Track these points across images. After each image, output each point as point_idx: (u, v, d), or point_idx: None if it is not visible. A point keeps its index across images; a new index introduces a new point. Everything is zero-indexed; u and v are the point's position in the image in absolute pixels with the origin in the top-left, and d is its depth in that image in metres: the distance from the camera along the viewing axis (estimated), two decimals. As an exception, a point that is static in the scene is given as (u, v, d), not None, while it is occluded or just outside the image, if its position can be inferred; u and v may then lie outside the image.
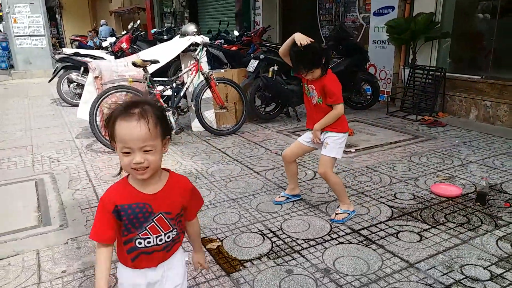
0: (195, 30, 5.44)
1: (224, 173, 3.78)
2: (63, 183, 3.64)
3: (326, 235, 2.59)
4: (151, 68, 4.82)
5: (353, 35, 7.29)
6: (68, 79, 7.17)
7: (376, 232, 2.60)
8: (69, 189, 3.50)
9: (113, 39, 9.19)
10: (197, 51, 5.04)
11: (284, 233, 2.64)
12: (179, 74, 5.15)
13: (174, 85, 4.94)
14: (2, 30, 13.10)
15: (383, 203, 3.02)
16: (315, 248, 2.45)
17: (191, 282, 2.15)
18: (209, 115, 5.28)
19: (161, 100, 4.71)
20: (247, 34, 9.02)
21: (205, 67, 5.18)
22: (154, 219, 1.36)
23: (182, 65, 5.54)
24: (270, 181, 3.56)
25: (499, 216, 2.74)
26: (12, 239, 2.69)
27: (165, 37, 9.33)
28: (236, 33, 9.20)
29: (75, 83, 7.12)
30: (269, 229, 2.70)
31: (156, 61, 4.76)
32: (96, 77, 4.75)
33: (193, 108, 5.05)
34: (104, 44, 8.88)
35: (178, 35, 5.69)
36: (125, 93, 4.66)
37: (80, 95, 6.92)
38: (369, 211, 2.90)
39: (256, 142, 4.75)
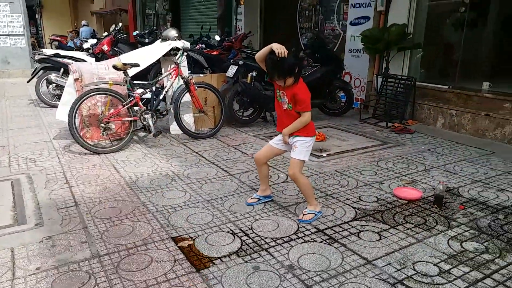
0: (176, 35, 5.56)
1: (200, 175, 3.91)
2: (39, 183, 3.70)
3: (293, 234, 2.75)
4: (132, 71, 4.91)
5: (329, 44, 7.51)
6: (47, 80, 7.17)
7: (340, 231, 2.77)
8: (46, 189, 3.56)
9: (94, 41, 9.19)
10: (178, 56, 5.16)
11: (254, 232, 2.79)
12: (159, 78, 5.26)
13: (153, 88, 5.04)
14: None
15: (348, 204, 3.20)
16: (281, 246, 2.60)
17: (162, 278, 2.27)
18: (188, 118, 5.39)
19: (140, 103, 4.81)
20: (228, 40, 9.17)
21: (185, 71, 5.30)
22: None
23: (163, 69, 5.65)
24: (244, 183, 3.70)
25: (453, 218, 2.95)
26: (-12, 237, 2.75)
27: (146, 40, 9.40)
28: (217, 38, 9.34)
29: (54, 84, 7.12)
30: (240, 229, 2.84)
31: (136, 65, 4.86)
32: (76, 79, 4.82)
33: (172, 111, 5.16)
34: (85, 46, 8.88)
35: (160, 40, 5.79)
36: (104, 95, 4.75)
37: (59, 96, 6.93)
38: (335, 212, 3.07)
39: (233, 146, 4.89)
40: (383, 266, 2.35)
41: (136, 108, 4.82)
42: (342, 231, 2.78)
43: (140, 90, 4.93)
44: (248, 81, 5.62)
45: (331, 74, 6.09)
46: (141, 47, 9.16)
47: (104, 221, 2.97)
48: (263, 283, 2.22)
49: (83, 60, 7.16)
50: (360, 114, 6.22)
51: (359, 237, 2.69)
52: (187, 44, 5.51)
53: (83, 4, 24.10)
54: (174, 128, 5.37)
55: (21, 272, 2.35)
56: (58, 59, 7.14)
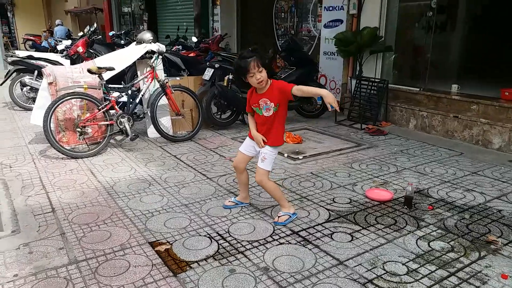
0: (151, 38, 5.56)
1: (177, 179, 3.94)
2: (15, 190, 3.67)
3: (268, 236, 2.83)
4: (107, 75, 4.90)
5: (304, 47, 7.63)
6: (21, 82, 7.05)
7: (313, 233, 2.87)
8: (22, 195, 3.54)
9: (68, 42, 9.06)
10: (153, 59, 5.17)
11: (230, 235, 2.85)
12: (135, 81, 5.26)
13: (129, 91, 5.04)
14: None
15: (322, 206, 3.30)
16: (257, 248, 2.67)
17: (140, 283, 2.31)
18: (165, 121, 5.41)
19: (116, 106, 4.80)
20: (205, 41, 9.19)
21: (160, 74, 5.32)
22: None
23: (138, 72, 5.64)
24: (221, 186, 3.76)
25: (422, 218, 3.09)
26: (-38, 245, 2.73)
27: (122, 41, 9.32)
28: (194, 39, 9.34)
29: (29, 87, 7.01)
30: (217, 232, 2.90)
31: (111, 68, 4.85)
32: (50, 83, 4.77)
33: (149, 114, 5.17)
34: (60, 47, 8.74)
35: (134, 42, 5.78)
36: (80, 99, 4.73)
37: (33, 99, 6.83)
38: (309, 213, 3.17)
39: (211, 149, 4.94)
40: (354, 267, 2.46)
41: (112, 111, 4.82)
42: (316, 232, 2.88)
43: (116, 94, 4.93)
44: (225, 84, 5.67)
45: (306, 77, 6.20)
46: (117, 48, 9.13)
47: (82, 226, 2.98)
48: (239, 285, 2.29)
49: (58, 63, 7.06)
50: (335, 116, 6.37)
51: (332, 238, 2.79)
52: (163, 47, 5.52)
53: (57, 2, 23.59)
54: (152, 132, 5.38)
55: (-2, 281, 2.35)
56: (32, 61, 7.03)
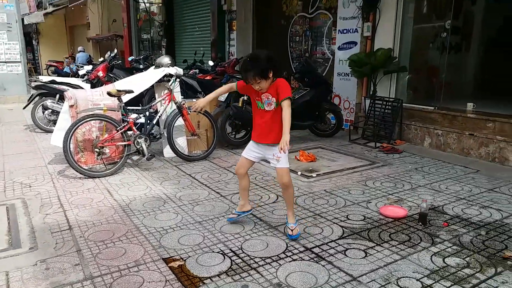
0: (169, 62, 5.74)
1: (192, 197, 3.99)
2: (34, 208, 3.76)
3: (281, 253, 2.83)
4: (125, 97, 5.05)
5: (318, 69, 7.73)
6: (43, 105, 7.29)
7: (327, 249, 2.86)
8: (40, 214, 3.63)
9: (89, 67, 9.38)
10: (171, 82, 5.31)
11: (243, 252, 2.86)
12: (153, 103, 5.40)
13: (147, 113, 5.17)
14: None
15: (336, 223, 3.29)
16: (270, 265, 2.67)
17: (153, 297, 2.33)
18: (181, 141, 5.50)
19: (134, 127, 4.93)
20: (221, 65, 9.38)
21: (177, 96, 5.45)
22: None
23: (156, 95, 5.79)
24: (235, 204, 3.78)
25: (436, 235, 3.05)
26: (-17, 261, 2.81)
27: (141, 66, 9.59)
28: (210, 63, 9.55)
29: (50, 110, 7.25)
30: (230, 249, 2.91)
31: (130, 91, 5.00)
32: (71, 106, 4.94)
33: (166, 135, 5.28)
34: (81, 72, 9.05)
35: (153, 66, 5.96)
36: (99, 121, 4.87)
37: (54, 122, 7.05)
38: (323, 230, 3.16)
39: (225, 167, 4.99)
40: (368, 282, 2.43)
41: (130, 132, 4.94)
42: (329, 249, 2.86)
43: (134, 115, 5.06)
44: (240, 104, 5.77)
45: (320, 97, 6.27)
46: (136, 72, 9.39)
47: (97, 243, 3.04)
48: (251, 300, 2.29)
49: (79, 87, 7.30)
50: (349, 135, 6.37)
51: (346, 255, 2.77)
52: (180, 71, 5.68)
53: (80, 30, 24.52)
54: (168, 151, 5.48)
55: (15, 295, 2.41)
56: (54, 85, 7.29)
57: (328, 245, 2.92)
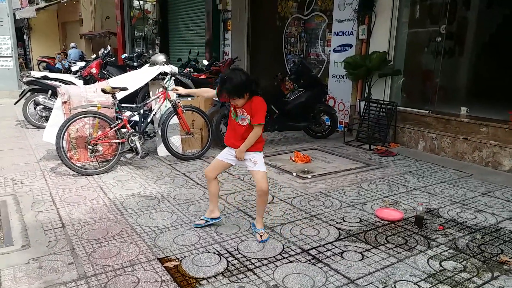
0: (164, 60, 5.71)
1: (186, 197, 3.96)
2: (26, 205, 3.70)
3: (278, 254, 2.81)
4: (120, 95, 4.99)
5: (313, 70, 7.72)
6: (35, 101, 7.20)
7: (323, 251, 2.85)
8: (32, 211, 3.57)
9: (82, 63, 9.28)
10: (166, 80, 5.27)
11: (240, 253, 2.84)
12: (147, 101, 5.35)
13: (141, 111, 5.12)
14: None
15: (332, 225, 3.28)
16: (267, 266, 2.65)
17: (149, 298, 2.30)
18: (175, 140, 5.46)
19: (128, 125, 4.88)
20: (215, 64, 9.35)
21: (172, 95, 5.40)
22: None
23: (151, 93, 5.75)
24: (230, 204, 3.76)
25: (432, 238, 3.06)
26: (-27, 258, 2.75)
27: (135, 63, 9.51)
28: (205, 62, 9.51)
29: (42, 106, 7.15)
30: (226, 250, 2.89)
31: (124, 88, 4.95)
32: (64, 102, 4.88)
33: (160, 133, 5.24)
34: (74, 68, 8.95)
35: (148, 64, 5.91)
36: (92, 118, 4.82)
37: (46, 118, 6.96)
38: (319, 232, 3.15)
39: (220, 168, 4.95)
40: (365, 285, 2.43)
41: (124, 130, 4.89)
42: (326, 251, 2.85)
43: (128, 113, 5.01)
44: (235, 104, 5.73)
45: (315, 99, 6.27)
46: (129, 70, 9.31)
47: (91, 242, 2.99)
48: (249, 302, 2.27)
49: (72, 83, 7.21)
50: (344, 137, 6.39)
51: (342, 257, 2.76)
52: (175, 69, 5.64)
53: (72, 26, 24.24)
54: (162, 150, 5.43)
55: (7, 294, 2.36)
56: (47, 81, 7.19)
57: (324, 247, 2.91)
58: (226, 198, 3.91)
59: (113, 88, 4.75)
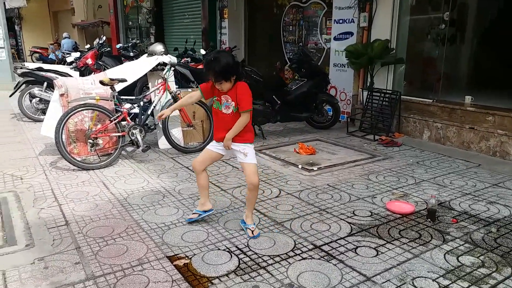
0: (163, 50, 5.56)
1: (191, 191, 3.87)
2: (27, 202, 3.60)
3: (290, 251, 2.74)
4: (119, 87, 4.86)
5: (315, 59, 7.61)
6: (30, 94, 7.03)
7: (337, 247, 2.78)
8: (34, 208, 3.47)
9: (77, 54, 9.09)
10: (165, 71, 5.14)
11: (250, 250, 2.76)
12: (147, 93, 5.22)
13: (141, 103, 5.00)
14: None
15: (343, 219, 3.21)
16: (280, 264, 2.58)
17: (162, 299, 2.23)
18: (176, 132, 5.36)
19: (128, 118, 4.76)
20: (213, 53, 9.17)
21: (172, 86, 5.29)
22: None
23: (150, 84, 5.61)
24: (237, 198, 3.68)
25: (447, 232, 3.00)
26: (-24, 259, 2.66)
27: (131, 53, 9.33)
28: (202, 51, 9.32)
29: (38, 98, 6.99)
30: (236, 246, 2.81)
31: (123, 80, 4.82)
32: (62, 95, 4.74)
33: (160, 126, 5.12)
34: (69, 59, 8.77)
35: (146, 54, 5.76)
36: (91, 110, 4.69)
37: (42, 110, 6.82)
38: (330, 227, 3.08)
39: (223, 160, 4.85)
40: (383, 283, 2.36)
41: (124, 123, 4.77)
42: (339, 247, 2.79)
43: (127, 105, 4.89)
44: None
45: (317, 88, 6.17)
46: (125, 60, 9.13)
47: (97, 240, 2.91)
48: (265, 302, 2.20)
49: (67, 74, 7.05)
50: (347, 127, 6.31)
51: (357, 253, 2.70)
52: (174, 59, 5.50)
53: (64, 16, 23.79)
54: (163, 143, 5.33)
55: (14, 297, 2.27)
56: (42, 73, 7.02)
57: (337, 243, 2.84)
58: (232, 192, 3.83)
59: (111, 79, 4.63)
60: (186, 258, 2.67)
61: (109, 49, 9.26)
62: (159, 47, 5.84)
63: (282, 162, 4.74)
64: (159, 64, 5.35)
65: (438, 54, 6.06)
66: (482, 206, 3.46)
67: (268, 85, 5.90)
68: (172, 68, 5.29)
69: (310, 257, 2.66)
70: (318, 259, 2.64)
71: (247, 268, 2.54)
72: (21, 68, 7.15)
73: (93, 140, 4.58)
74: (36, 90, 6.95)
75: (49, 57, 14.02)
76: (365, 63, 6.27)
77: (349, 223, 3.15)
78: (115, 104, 4.79)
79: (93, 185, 4.03)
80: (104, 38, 9.25)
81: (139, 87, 6.92)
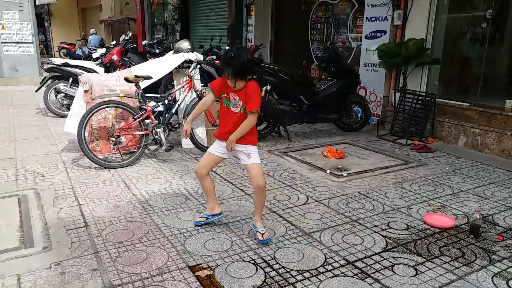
0: (189, 47, 5.42)
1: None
2: (47, 200, 3.51)
3: (320, 266, 2.54)
4: (143, 84, 4.75)
5: (345, 58, 7.35)
6: (56, 89, 7.04)
7: (371, 264, 2.56)
8: (54, 207, 3.38)
9: (103, 50, 9.10)
10: (191, 69, 5.00)
11: (277, 262, 2.58)
12: (172, 91, 5.10)
13: (166, 101, 4.88)
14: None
15: (377, 232, 2.98)
16: (309, 280, 2.39)
17: (182, 316, 2.07)
18: (200, 132, 5.22)
19: (152, 116, 4.64)
20: (239, 51, 9.02)
21: (198, 84, 5.14)
22: None
23: (175, 82, 5.49)
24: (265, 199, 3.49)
25: (493, 251, 2.73)
26: (-8, 262, 2.57)
27: (156, 50, 9.26)
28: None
29: (63, 94, 6.99)
30: (262, 258, 2.63)
31: (149, 77, 4.70)
32: (86, 91, 4.66)
33: (184, 125, 4.98)
34: (95, 55, 8.79)
35: (172, 51, 5.64)
36: (115, 108, 4.59)
37: (67, 106, 6.80)
38: (363, 241, 2.86)
39: (247, 162, 4.69)
40: (425, 307, 2.14)
41: (147, 121, 4.65)
42: (374, 263, 2.57)
43: (152, 103, 4.77)
44: (263, 95, 5.44)
45: (347, 89, 5.92)
46: (150, 56, 9.08)
47: (116, 245, 2.78)
48: (294, 325, 2.01)
49: (93, 71, 7.02)
50: (377, 130, 6.03)
51: (394, 271, 2.47)
52: (200, 57, 5.36)
53: (92, 12, 24.16)
54: (186, 142, 5.19)
55: (28, 305, 2.16)
56: (68, 68, 7.01)
57: (372, 259, 2.62)
58: (257, 197, 3.64)
59: (136, 76, 4.51)
60: (209, 269, 2.51)
61: (134, 45, 9.22)
62: (185, 44, 5.70)
63: (309, 166, 4.52)
64: (185, 61, 5.21)
65: (477, 54, 5.71)
66: (531, 223, 3.17)
67: (295, 84, 5.68)
68: (198, 66, 5.15)
69: (342, 274, 2.45)
70: (351, 276, 2.42)
71: (274, 284, 2.35)
72: (47, 63, 7.15)
73: (116, 138, 4.48)
74: (61, 86, 6.95)
75: (76, 52, 14.19)
76: (399, 63, 5.98)
77: (384, 236, 2.92)
78: (139, 102, 4.68)
79: (115, 184, 3.93)
80: (130, 34, 9.24)
81: (163, 85, 6.83)
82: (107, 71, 7.72)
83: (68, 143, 5.34)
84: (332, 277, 2.42)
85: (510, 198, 3.65)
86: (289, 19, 9.76)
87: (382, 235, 2.93)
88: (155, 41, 10.78)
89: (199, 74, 5.28)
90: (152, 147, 5.09)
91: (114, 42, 11.69)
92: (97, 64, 7.83)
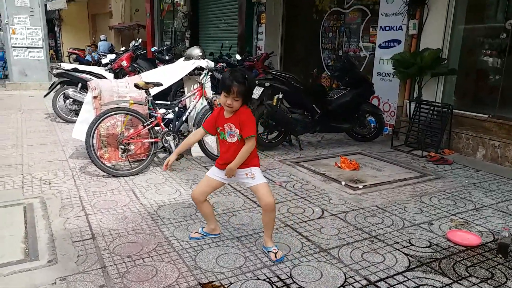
0: (200, 54, 5.32)
1: (226, 206, 3.58)
2: (54, 210, 3.40)
3: (340, 286, 2.39)
4: (154, 91, 4.65)
5: (359, 67, 7.22)
6: (65, 94, 6.97)
7: (394, 285, 2.40)
8: (60, 217, 3.26)
9: (112, 56, 9.05)
10: (202, 76, 4.90)
11: (294, 282, 2.43)
12: (182, 98, 5.00)
13: (176, 108, 4.78)
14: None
15: (398, 249, 2.83)
16: (329, 301, 2.24)
17: None
18: (210, 140, 5.09)
19: (161, 123, 4.54)
20: (249, 59, 8.94)
21: (209, 92, 5.04)
22: None
23: (185, 89, 5.40)
24: (276, 217, 3.35)
25: (524, 272, 2.57)
26: (-5, 275, 2.45)
27: (166, 57, 9.20)
28: (238, 57, 9.11)
29: (72, 99, 6.92)
30: (278, 276, 2.49)
31: (159, 84, 4.60)
32: (95, 97, 4.57)
33: (194, 133, 4.87)
34: (104, 61, 8.73)
35: (183, 58, 5.55)
36: (124, 115, 4.49)
37: (76, 112, 6.73)
38: (385, 259, 2.70)
39: (258, 172, 4.55)
40: (456, 335, 1.98)
41: (157, 129, 4.55)
42: (397, 284, 2.41)
43: (162, 110, 4.67)
44: (274, 103, 5.33)
45: (361, 98, 5.79)
46: (159, 63, 9.02)
47: (124, 259, 2.65)
48: None
49: (102, 76, 6.96)
50: (392, 141, 5.87)
51: (419, 294, 2.32)
52: (211, 64, 5.26)
53: (102, 18, 24.31)
54: (196, 150, 5.07)
55: (30, 324, 2.03)
56: (77, 74, 6.95)
57: (394, 279, 2.46)
58: (270, 210, 3.50)
59: (146, 83, 4.41)
60: (222, 287, 2.37)
61: (144, 51, 9.17)
62: (196, 51, 5.60)
63: (322, 177, 4.38)
64: (196, 68, 5.12)
65: (496, 65, 5.56)
66: (562, 243, 2.98)
67: (308, 93, 5.56)
68: (210, 73, 5.05)
69: (364, 296, 2.30)
70: (374, 298, 2.27)
71: (292, 304, 2.21)
72: (56, 68, 7.10)
73: (124, 146, 4.38)
74: (70, 91, 6.89)
75: (85, 58, 14.20)
76: (414, 73, 5.84)
77: (406, 254, 2.76)
78: (149, 109, 4.58)
79: (123, 193, 3.81)
80: (140, 40, 9.19)
81: (173, 92, 6.74)
82: (117, 77, 7.65)
83: (76, 150, 5.25)
84: (354, 299, 2.27)
85: (536, 215, 3.48)
86: (300, 28, 9.66)
87: (404, 253, 2.77)
88: (164, 48, 10.74)
89: (210, 82, 5.18)
90: (162, 155, 4.98)
91: (123, 48, 11.68)
92: (106, 70, 7.76)
